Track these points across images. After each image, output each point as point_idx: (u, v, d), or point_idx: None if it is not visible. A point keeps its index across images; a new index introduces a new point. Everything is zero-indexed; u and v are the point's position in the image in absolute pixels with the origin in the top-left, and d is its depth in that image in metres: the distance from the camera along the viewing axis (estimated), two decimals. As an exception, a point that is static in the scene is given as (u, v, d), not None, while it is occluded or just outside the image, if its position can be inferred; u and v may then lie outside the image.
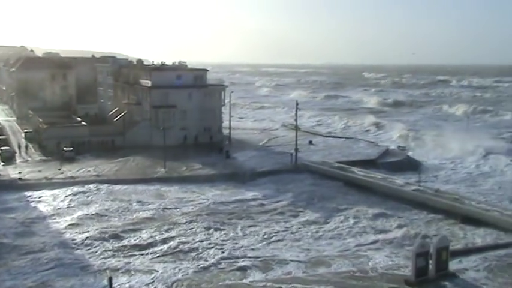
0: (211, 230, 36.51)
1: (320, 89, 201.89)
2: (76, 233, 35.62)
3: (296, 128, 58.55)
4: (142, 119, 69.80)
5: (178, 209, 41.33)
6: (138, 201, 43.43)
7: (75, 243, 33.65)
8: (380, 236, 35.37)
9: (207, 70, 76.20)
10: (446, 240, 28.96)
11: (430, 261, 27.39)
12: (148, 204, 42.63)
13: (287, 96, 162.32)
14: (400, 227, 37.24)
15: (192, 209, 41.45)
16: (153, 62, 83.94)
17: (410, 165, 57.17)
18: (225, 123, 73.83)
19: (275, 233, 36.15)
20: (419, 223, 38.18)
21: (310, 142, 70.22)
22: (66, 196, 44.70)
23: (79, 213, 40.01)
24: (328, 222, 38.42)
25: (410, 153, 63.65)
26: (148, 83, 70.09)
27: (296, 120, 58.43)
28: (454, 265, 28.58)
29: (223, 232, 36.15)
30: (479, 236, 34.84)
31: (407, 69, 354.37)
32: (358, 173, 51.51)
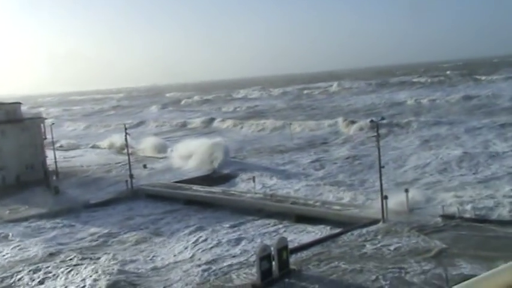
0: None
1: (108, 115, 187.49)
2: None
3: (128, 153, 56.92)
4: None
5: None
6: None
7: None
8: (228, 247, 36.10)
9: (20, 103, 70.00)
10: (285, 240, 30.77)
11: (273, 263, 28.81)
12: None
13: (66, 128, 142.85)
14: (244, 235, 38.54)
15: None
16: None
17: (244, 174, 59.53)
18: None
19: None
20: (260, 228, 39.98)
21: (145, 166, 68.90)
22: None
23: None
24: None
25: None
26: (-50, 122, 61.90)
27: (127, 145, 56.82)
28: (294, 261, 30.48)
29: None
30: (312, 232, 37.78)
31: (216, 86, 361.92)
32: (198, 189, 52.07)
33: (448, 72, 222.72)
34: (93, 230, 43.59)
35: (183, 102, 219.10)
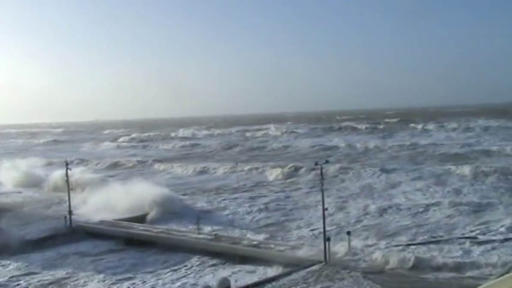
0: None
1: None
2: None
3: (68, 188, 54.87)
4: None
5: None
6: None
7: None
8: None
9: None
10: (227, 281, 30.65)
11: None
12: None
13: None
14: (186, 275, 37.91)
15: None
16: None
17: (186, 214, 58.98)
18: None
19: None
20: (202, 268, 39.49)
21: (84, 202, 66.70)
22: None
23: None
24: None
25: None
26: None
27: (68, 180, 54.85)
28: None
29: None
30: (256, 273, 37.72)
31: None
32: (139, 228, 50.97)
33: (386, 120, 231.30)
34: (20, 269, 41.48)
35: (121, 139, 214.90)
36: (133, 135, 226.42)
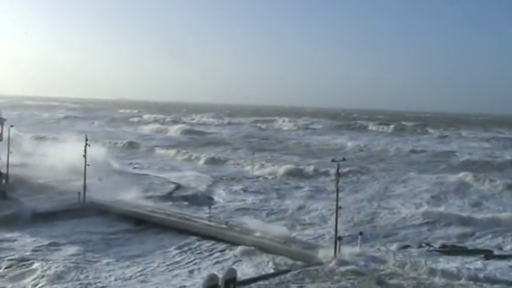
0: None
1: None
2: None
3: (85, 164, 54.61)
4: None
5: None
6: None
7: None
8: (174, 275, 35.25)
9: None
10: (234, 271, 30.24)
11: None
12: None
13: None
14: (193, 262, 37.86)
15: None
16: None
17: (203, 200, 59.15)
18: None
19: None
20: (210, 257, 39.34)
21: (100, 179, 66.86)
22: None
23: None
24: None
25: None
26: None
27: (85, 156, 54.47)
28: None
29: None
30: (264, 265, 37.43)
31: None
32: (154, 210, 51.04)
33: (404, 122, 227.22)
34: (32, 241, 41.14)
35: (130, 119, 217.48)
36: (145, 117, 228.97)
